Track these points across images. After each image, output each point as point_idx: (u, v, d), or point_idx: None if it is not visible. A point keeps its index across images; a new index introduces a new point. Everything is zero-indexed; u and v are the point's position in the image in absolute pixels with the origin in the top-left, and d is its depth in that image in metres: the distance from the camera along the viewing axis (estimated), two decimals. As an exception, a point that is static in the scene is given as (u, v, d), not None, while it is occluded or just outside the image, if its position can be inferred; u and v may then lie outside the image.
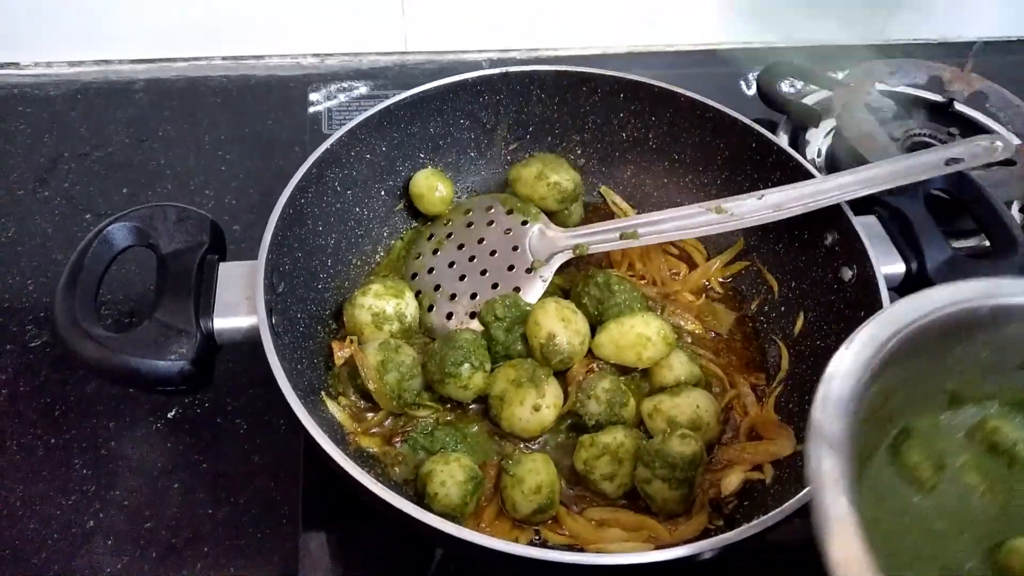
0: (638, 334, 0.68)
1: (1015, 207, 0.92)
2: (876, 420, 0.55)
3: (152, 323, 0.58)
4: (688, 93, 0.82)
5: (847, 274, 0.70)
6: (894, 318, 0.52)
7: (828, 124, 1.02)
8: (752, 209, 0.72)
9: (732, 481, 0.64)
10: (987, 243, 0.74)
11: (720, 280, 0.81)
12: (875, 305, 0.65)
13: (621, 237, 0.73)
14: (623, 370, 0.71)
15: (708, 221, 0.72)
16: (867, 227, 0.71)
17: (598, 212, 0.87)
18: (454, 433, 0.67)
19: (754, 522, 0.53)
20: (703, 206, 0.73)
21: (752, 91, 1.10)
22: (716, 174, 0.83)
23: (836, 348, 0.68)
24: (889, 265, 0.70)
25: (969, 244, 0.89)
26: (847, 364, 0.50)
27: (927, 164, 0.71)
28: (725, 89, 1.11)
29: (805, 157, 0.90)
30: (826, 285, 0.73)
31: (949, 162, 0.72)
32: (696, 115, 0.82)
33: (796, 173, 0.76)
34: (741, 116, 0.80)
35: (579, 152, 0.88)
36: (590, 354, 0.70)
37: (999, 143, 0.73)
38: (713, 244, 0.83)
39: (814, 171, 0.74)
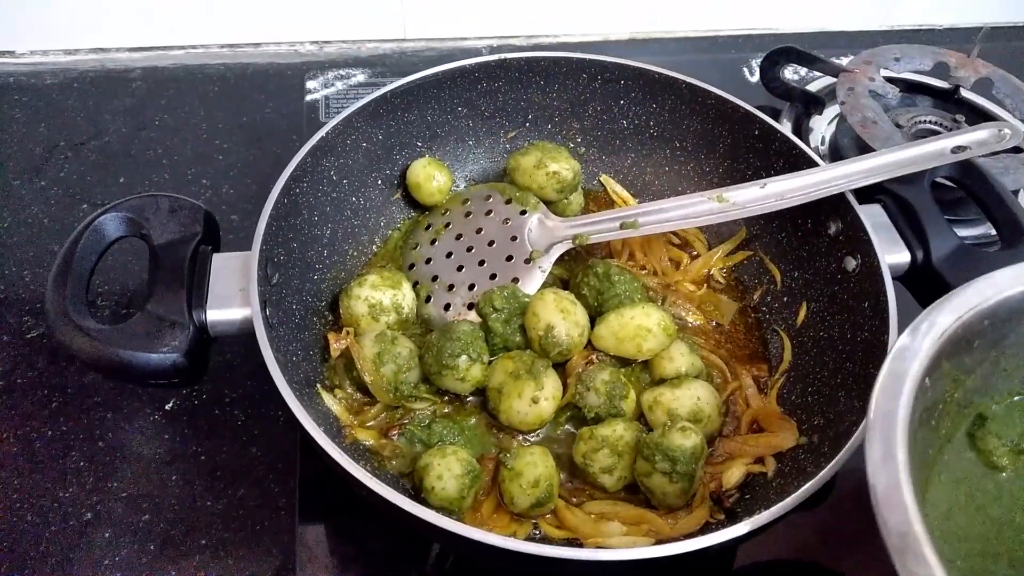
0: (638, 325, 0.67)
1: (1022, 195, 0.91)
2: (951, 405, 0.56)
3: (144, 315, 0.57)
4: (689, 80, 0.81)
5: (851, 264, 0.69)
6: (957, 303, 0.52)
7: (832, 111, 1.00)
8: (754, 198, 0.71)
9: (733, 474, 0.64)
10: (993, 232, 0.73)
11: (722, 270, 0.80)
12: (879, 295, 0.64)
13: (621, 227, 0.72)
14: (623, 362, 0.70)
15: (710, 210, 0.71)
16: (871, 216, 0.70)
17: (598, 201, 0.86)
18: (452, 426, 0.66)
19: (756, 516, 0.52)
20: (704, 195, 0.72)
21: (755, 78, 1.08)
22: (718, 162, 0.82)
23: (839, 339, 0.69)
24: (893, 254, 0.69)
25: (975, 233, 0.88)
26: (909, 348, 0.50)
27: (933, 152, 0.70)
28: (728, 76, 1.10)
29: (809, 144, 0.89)
30: (829, 275, 0.72)
31: (955, 150, 0.70)
32: (698, 102, 0.81)
33: (799, 161, 0.74)
34: (743, 103, 0.79)
35: (579, 140, 0.87)
36: (589, 345, 0.70)
37: (1006, 131, 0.72)
38: (715, 233, 0.82)
39: (817, 159, 0.73)
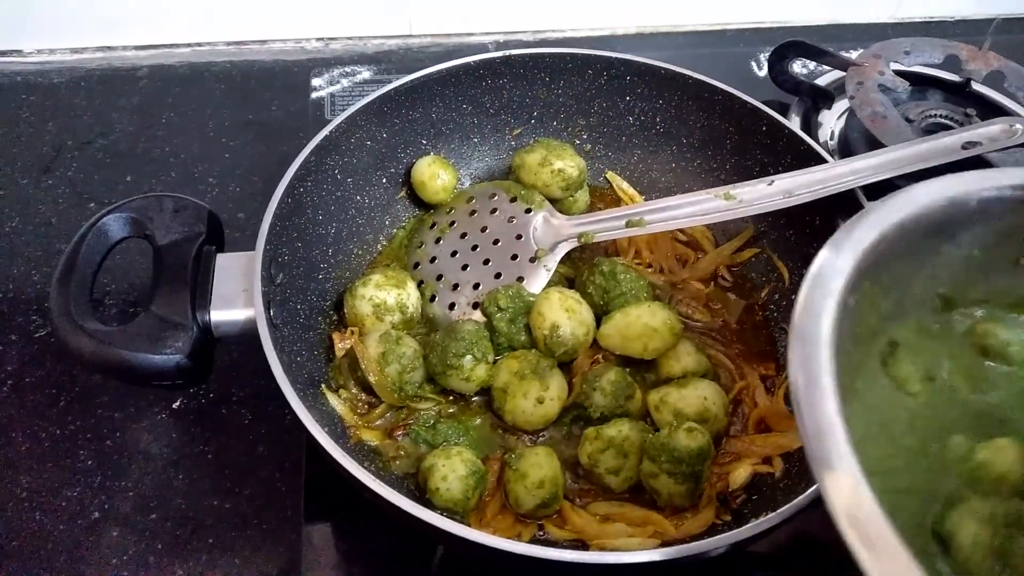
0: (644, 324, 0.67)
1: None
2: (865, 330, 0.52)
3: (147, 316, 0.58)
4: (696, 75, 0.80)
5: (859, 262, 0.69)
6: (877, 218, 0.49)
7: (841, 105, 0.99)
8: (762, 195, 0.70)
9: (740, 475, 0.63)
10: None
11: (729, 268, 0.80)
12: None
13: (627, 225, 0.72)
14: (628, 361, 0.69)
15: (717, 208, 0.71)
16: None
17: (604, 198, 0.86)
18: (456, 426, 0.66)
19: (764, 518, 0.52)
20: (711, 192, 0.71)
21: (763, 72, 1.07)
22: (726, 158, 0.81)
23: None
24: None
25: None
26: (831, 264, 0.47)
27: (944, 148, 0.69)
28: (735, 70, 1.09)
29: (817, 140, 0.89)
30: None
31: (967, 145, 0.69)
32: (704, 98, 0.81)
33: (808, 157, 0.74)
34: (751, 98, 0.79)
35: (585, 137, 0.87)
36: (595, 345, 0.69)
37: (1018, 125, 0.71)
38: (722, 231, 0.81)
39: (827, 155, 0.72)
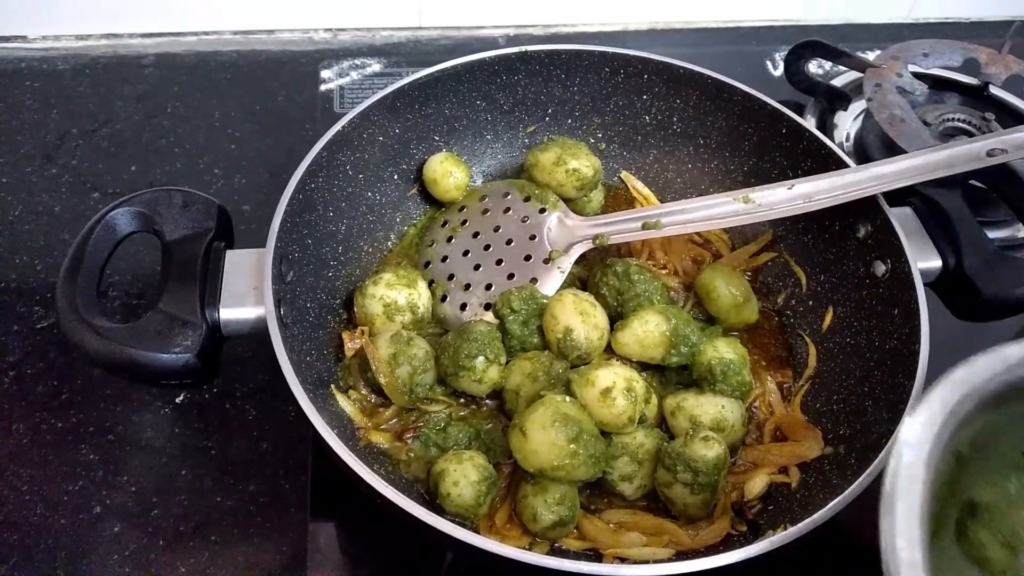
0: (662, 333, 0.66)
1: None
2: (948, 489, 0.50)
3: (156, 314, 0.56)
4: (715, 75, 0.79)
5: (880, 268, 0.68)
6: (967, 378, 0.48)
7: (857, 107, 0.98)
8: (781, 199, 0.69)
9: (756, 484, 0.62)
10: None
11: (746, 271, 0.78)
12: (910, 302, 0.63)
13: (643, 227, 0.70)
14: (645, 366, 0.68)
15: (735, 211, 0.69)
16: (902, 219, 0.68)
17: (619, 198, 0.84)
18: (467, 429, 0.65)
19: (783, 533, 0.51)
20: (729, 195, 0.70)
21: (778, 71, 1.06)
22: (743, 160, 0.80)
23: (867, 346, 0.67)
24: (925, 260, 0.67)
25: (1004, 235, 0.85)
26: (917, 432, 0.45)
27: (968, 155, 0.68)
28: (750, 69, 1.07)
29: (833, 141, 0.87)
30: (857, 279, 0.70)
31: (992, 152, 0.68)
32: (723, 98, 0.79)
33: (828, 161, 0.72)
34: (770, 100, 0.77)
35: (600, 136, 0.85)
36: (609, 348, 0.68)
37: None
38: (739, 234, 0.80)
39: (847, 159, 0.71)
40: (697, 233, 0.79)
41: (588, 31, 1.14)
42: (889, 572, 0.40)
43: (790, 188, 0.69)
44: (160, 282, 0.59)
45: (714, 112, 0.80)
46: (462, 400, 0.67)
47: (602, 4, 1.12)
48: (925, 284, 0.65)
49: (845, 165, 0.71)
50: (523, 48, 0.79)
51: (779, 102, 0.77)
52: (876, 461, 0.53)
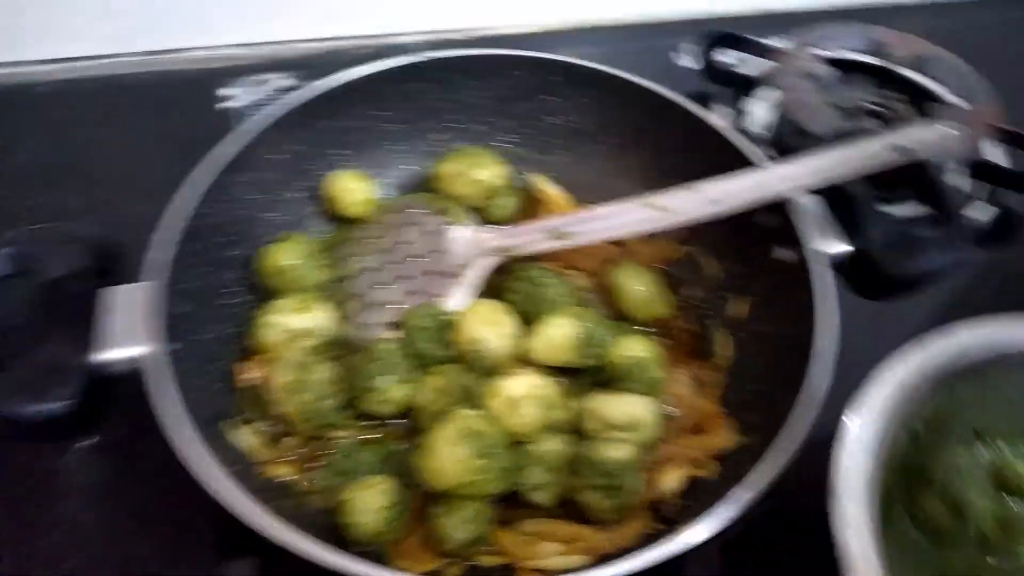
0: (573, 336, 0.65)
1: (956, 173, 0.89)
2: (902, 464, 0.53)
3: (30, 362, 0.53)
4: (620, 73, 0.78)
5: (788, 256, 0.67)
6: (921, 360, 0.51)
7: (769, 94, 0.98)
8: (691, 204, 0.68)
9: (672, 480, 0.61)
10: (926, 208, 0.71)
11: (660, 265, 0.78)
12: (817, 289, 0.63)
13: (553, 237, 0.69)
14: (560, 370, 0.67)
15: (645, 219, 0.68)
16: (808, 206, 0.68)
17: (533, 203, 0.83)
18: (378, 452, 0.62)
19: (691, 529, 0.50)
20: (639, 202, 0.69)
21: (689, 64, 1.06)
22: (658, 158, 0.79)
23: (777, 334, 0.67)
24: (833, 245, 0.67)
25: (907, 213, 0.86)
26: (869, 408, 0.49)
27: (878, 152, 0.68)
28: (661, 63, 1.06)
29: (749, 131, 0.88)
30: (769, 267, 0.69)
31: (899, 148, 0.68)
32: (631, 97, 0.78)
33: (739, 157, 0.72)
34: (679, 97, 0.76)
35: (510, 140, 0.84)
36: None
37: (954, 130, 0.70)
38: (651, 228, 0.79)
39: (757, 155, 0.71)
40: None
41: (509, 33, 1.12)
42: (844, 565, 0.44)
43: (698, 192, 0.69)
44: (35, 327, 0.55)
45: (623, 110, 0.79)
46: (370, 422, 0.65)
47: (522, 5, 1.11)
48: (836, 268, 0.65)
49: (752, 163, 0.70)
50: (427, 55, 0.78)
51: (693, 94, 0.76)
52: (779, 449, 0.53)
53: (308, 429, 0.62)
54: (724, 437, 0.63)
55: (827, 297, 0.62)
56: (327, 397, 0.62)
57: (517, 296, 0.68)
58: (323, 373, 0.62)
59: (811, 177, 0.67)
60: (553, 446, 0.60)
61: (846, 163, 0.67)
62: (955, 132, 0.73)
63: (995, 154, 0.89)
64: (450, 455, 0.55)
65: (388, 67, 0.76)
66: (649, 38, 1.14)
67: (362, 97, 0.77)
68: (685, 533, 0.51)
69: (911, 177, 0.72)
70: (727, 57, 1.03)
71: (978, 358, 0.54)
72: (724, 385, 0.69)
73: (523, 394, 0.59)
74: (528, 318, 0.68)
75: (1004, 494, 0.57)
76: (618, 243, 0.79)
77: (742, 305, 0.72)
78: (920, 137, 0.70)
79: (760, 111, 0.97)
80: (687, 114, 0.76)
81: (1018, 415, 0.56)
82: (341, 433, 0.64)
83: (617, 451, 0.57)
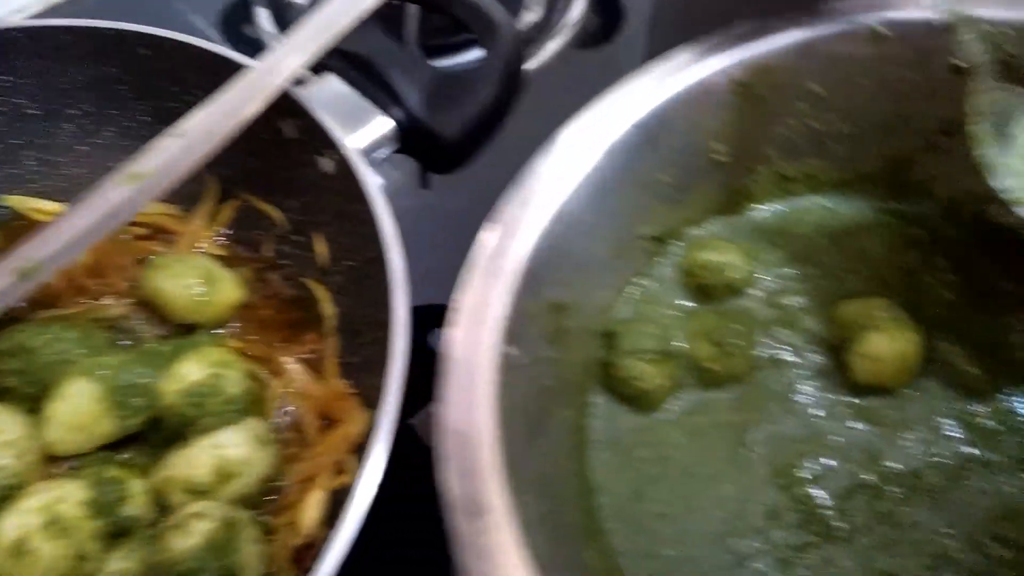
0: (98, 399, 0.46)
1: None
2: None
3: None
4: (35, 23, 0.56)
5: (327, 165, 0.52)
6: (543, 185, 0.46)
7: None
8: (179, 152, 0.50)
9: (312, 510, 0.46)
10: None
11: (217, 237, 0.60)
12: (371, 192, 0.48)
13: (22, 279, 0.48)
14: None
15: (129, 200, 0.48)
16: (325, 92, 0.53)
17: (21, 230, 0.60)
18: None
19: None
20: (114, 181, 0.49)
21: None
22: (140, 110, 0.60)
23: (363, 263, 0.52)
24: (371, 130, 0.52)
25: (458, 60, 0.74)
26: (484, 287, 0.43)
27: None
28: None
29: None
30: (321, 188, 0.54)
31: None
32: (68, 47, 0.57)
33: (226, 67, 0.54)
34: (120, 24, 0.57)
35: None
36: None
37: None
38: (181, 198, 0.60)
39: (243, 59, 0.54)
40: (138, 223, 0.59)
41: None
42: None
43: (182, 135, 0.50)
44: None
45: (63, 71, 0.58)
46: None
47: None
48: (394, 151, 0.52)
49: (245, 66, 0.53)
50: None
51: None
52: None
53: None
54: (357, 420, 0.48)
55: (376, 201, 0.48)
56: None
57: (11, 379, 0.48)
58: None
59: (302, 55, 0.51)
60: (119, 566, 0.42)
61: (333, 19, 0.51)
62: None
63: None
64: None
65: None
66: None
67: None
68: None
69: (437, 4, 0.58)
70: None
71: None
72: (337, 352, 0.54)
73: (26, 533, 0.40)
74: (40, 398, 0.47)
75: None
76: (157, 235, 0.60)
77: (318, 245, 0.56)
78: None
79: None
80: (144, 41, 0.56)
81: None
82: None
83: (189, 536, 0.40)
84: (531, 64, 0.77)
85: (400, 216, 0.48)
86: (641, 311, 0.52)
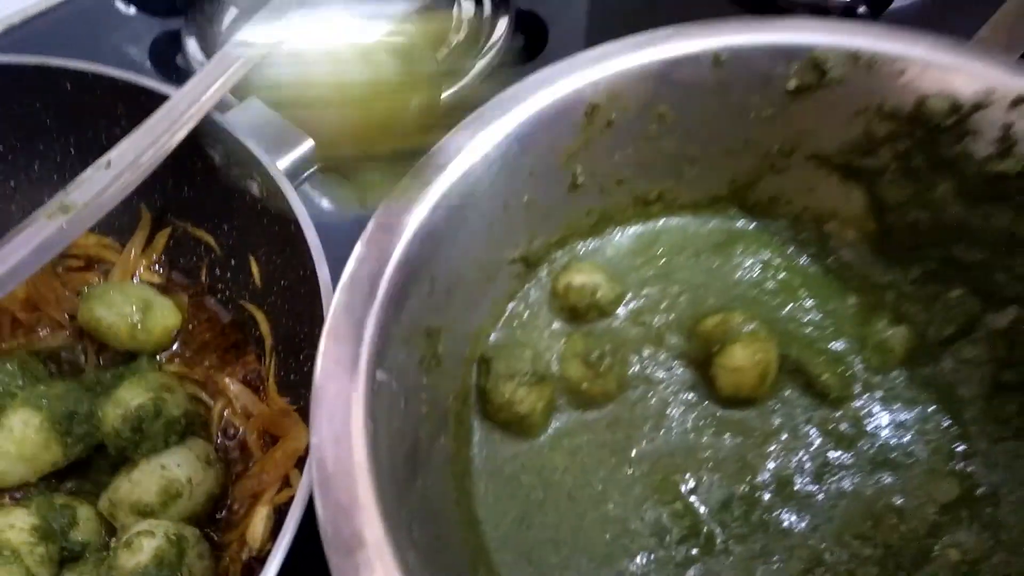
0: (41, 429, 0.47)
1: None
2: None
3: None
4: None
5: (254, 187, 0.54)
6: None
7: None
8: (107, 182, 0.51)
9: (257, 526, 0.47)
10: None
11: (154, 265, 0.61)
12: (294, 210, 0.50)
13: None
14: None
15: (59, 233, 0.49)
16: (249, 116, 0.55)
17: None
18: None
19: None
20: (44, 214, 0.50)
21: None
22: (67, 143, 0.60)
23: (296, 282, 0.54)
24: (295, 151, 0.54)
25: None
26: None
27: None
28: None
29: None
30: (252, 212, 0.55)
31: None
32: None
33: (146, 98, 0.55)
34: (42, 59, 0.57)
35: None
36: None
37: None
38: (115, 229, 0.61)
39: (164, 86, 0.55)
40: (66, 256, 0.59)
41: None
42: None
43: (108, 166, 0.51)
44: None
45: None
46: None
47: None
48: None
49: (165, 96, 0.54)
50: None
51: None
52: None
53: None
54: (298, 434, 0.50)
55: (304, 220, 0.49)
56: None
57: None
58: None
59: (222, 81, 0.52)
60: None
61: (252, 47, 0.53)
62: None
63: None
64: None
65: None
66: None
67: None
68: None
69: None
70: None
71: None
72: (277, 371, 0.55)
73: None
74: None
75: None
76: (93, 266, 0.61)
77: (252, 267, 0.57)
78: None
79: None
80: (67, 74, 0.57)
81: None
82: None
83: (133, 555, 0.41)
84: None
85: (327, 233, 0.50)
86: (514, 336, 0.51)
